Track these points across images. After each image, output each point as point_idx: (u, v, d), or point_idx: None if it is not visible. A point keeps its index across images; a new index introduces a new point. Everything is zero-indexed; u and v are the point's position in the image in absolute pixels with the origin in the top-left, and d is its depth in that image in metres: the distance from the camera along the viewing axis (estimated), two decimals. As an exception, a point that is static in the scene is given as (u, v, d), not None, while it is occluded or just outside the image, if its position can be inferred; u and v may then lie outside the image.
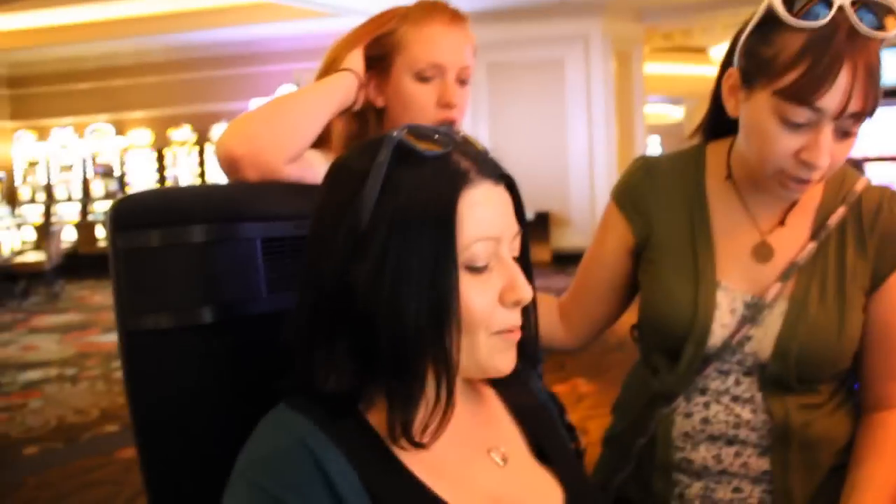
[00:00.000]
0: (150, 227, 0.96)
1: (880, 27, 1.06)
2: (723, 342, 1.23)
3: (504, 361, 0.88)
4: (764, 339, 1.22)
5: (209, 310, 0.98)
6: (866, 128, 1.11)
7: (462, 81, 1.38)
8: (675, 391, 1.27)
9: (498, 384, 0.99)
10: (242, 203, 1.06)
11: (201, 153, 12.93)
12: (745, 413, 1.24)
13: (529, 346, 0.94)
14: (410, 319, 0.80)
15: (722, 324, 1.24)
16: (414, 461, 0.84)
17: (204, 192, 1.10)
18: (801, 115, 1.07)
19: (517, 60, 10.76)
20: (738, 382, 1.25)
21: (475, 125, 10.51)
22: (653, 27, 11.58)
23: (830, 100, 1.05)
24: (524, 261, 0.91)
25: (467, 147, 0.86)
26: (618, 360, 5.51)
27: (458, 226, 0.81)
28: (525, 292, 0.85)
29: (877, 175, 4.51)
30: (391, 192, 0.81)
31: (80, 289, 11.28)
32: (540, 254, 10.43)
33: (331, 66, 1.38)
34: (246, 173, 1.18)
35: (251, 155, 1.18)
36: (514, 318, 0.87)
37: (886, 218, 1.23)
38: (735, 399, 1.24)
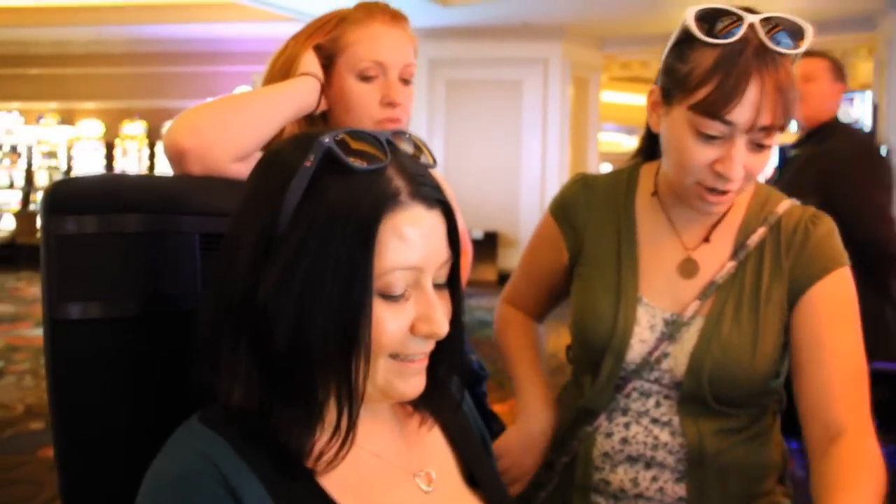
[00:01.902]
0: (84, 213, 0.93)
1: (794, 47, 1.11)
2: (642, 358, 1.25)
3: (408, 387, 0.83)
4: (680, 355, 1.23)
5: (140, 302, 0.95)
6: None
7: (405, 80, 1.38)
8: (596, 407, 1.28)
9: (430, 406, 0.94)
10: (183, 195, 1.03)
11: (152, 149, 12.69)
12: (664, 435, 1.25)
13: (455, 367, 0.91)
14: (316, 338, 0.76)
15: (641, 339, 1.25)
16: (336, 485, 0.81)
17: (144, 182, 1.07)
18: (713, 128, 1.11)
19: (476, 79, 10.81)
20: (658, 404, 1.26)
21: (431, 140, 10.51)
22: (612, 56, 11.75)
23: (740, 114, 1.09)
24: (455, 287, 0.87)
25: (407, 161, 0.81)
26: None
27: (377, 250, 0.76)
28: (439, 328, 0.80)
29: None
30: (315, 198, 0.77)
31: (15, 280, 10.96)
32: (486, 273, 10.46)
33: (284, 69, 1.36)
34: (191, 167, 1.16)
35: (198, 149, 1.15)
36: (424, 346, 0.82)
37: (802, 237, 1.24)
38: (654, 421, 1.26)
